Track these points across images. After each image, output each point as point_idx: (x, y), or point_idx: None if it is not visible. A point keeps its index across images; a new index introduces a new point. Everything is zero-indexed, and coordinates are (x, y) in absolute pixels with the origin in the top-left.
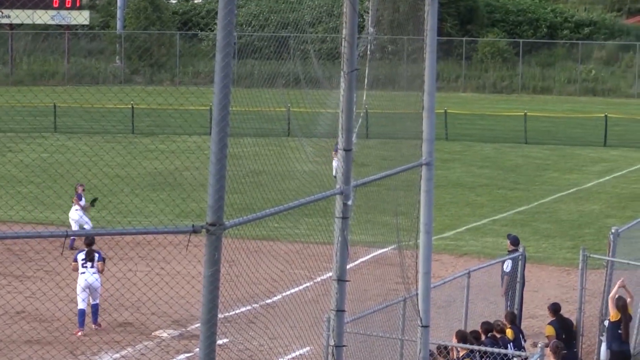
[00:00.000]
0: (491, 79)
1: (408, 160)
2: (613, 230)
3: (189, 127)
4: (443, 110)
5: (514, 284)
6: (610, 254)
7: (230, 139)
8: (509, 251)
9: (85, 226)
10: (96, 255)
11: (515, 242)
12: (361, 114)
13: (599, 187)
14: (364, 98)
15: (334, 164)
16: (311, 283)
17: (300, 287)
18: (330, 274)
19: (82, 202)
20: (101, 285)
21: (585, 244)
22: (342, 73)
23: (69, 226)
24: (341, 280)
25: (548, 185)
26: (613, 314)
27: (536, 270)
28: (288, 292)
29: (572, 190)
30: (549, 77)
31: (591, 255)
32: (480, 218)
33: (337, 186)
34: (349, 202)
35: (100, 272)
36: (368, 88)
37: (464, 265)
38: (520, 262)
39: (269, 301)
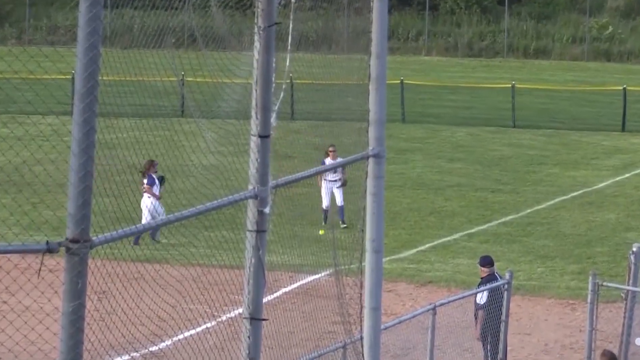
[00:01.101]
0: (465, 37)
1: (349, 150)
2: (634, 249)
3: (42, 103)
4: (399, 81)
5: (495, 324)
6: (630, 281)
7: (100, 121)
8: (482, 278)
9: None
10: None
11: (487, 262)
12: (283, 86)
13: (615, 188)
14: (287, 64)
15: (324, 189)
16: (213, 323)
17: (199, 329)
18: (241, 310)
19: (157, 188)
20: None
21: (596, 268)
22: (256, 29)
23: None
24: (255, 319)
25: (545, 185)
26: None
27: (528, 305)
28: (181, 336)
29: (578, 193)
30: (545, 34)
31: (605, 283)
32: (450, 232)
33: (250, 187)
34: (266, 210)
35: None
36: (293, 50)
37: (427, 298)
38: (505, 293)
39: (154, 349)
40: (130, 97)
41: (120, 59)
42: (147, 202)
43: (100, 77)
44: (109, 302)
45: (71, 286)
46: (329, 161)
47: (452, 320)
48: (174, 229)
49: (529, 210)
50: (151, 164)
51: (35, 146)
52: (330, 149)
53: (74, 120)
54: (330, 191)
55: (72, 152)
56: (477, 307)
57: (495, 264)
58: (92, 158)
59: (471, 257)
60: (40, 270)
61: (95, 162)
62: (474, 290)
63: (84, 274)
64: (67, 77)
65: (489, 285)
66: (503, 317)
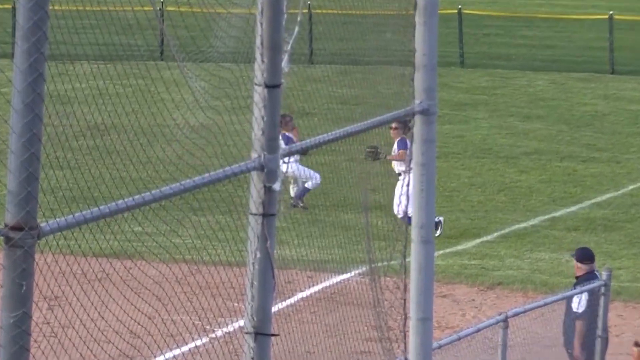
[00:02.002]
0: None
1: (387, 105)
2: None
3: None
4: (455, 11)
5: (588, 340)
6: None
7: (51, 66)
8: (577, 277)
9: (309, 184)
10: None
11: (586, 257)
12: (299, 19)
13: None
14: None
15: (289, 166)
16: (205, 340)
17: (185, 348)
18: (242, 322)
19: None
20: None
21: None
22: None
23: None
24: (262, 334)
25: None
26: None
27: (633, 315)
28: (161, 358)
29: None
30: None
31: None
32: (526, 215)
33: (253, 155)
34: (276, 186)
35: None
36: None
37: (496, 306)
38: (602, 299)
39: None
40: (90, 34)
41: None
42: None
43: (50, 7)
44: (63, 311)
45: (12, 290)
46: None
47: (530, 335)
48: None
49: (632, 187)
50: (282, 119)
51: None
52: (393, 125)
53: (16, 65)
54: None
55: (12, 108)
56: (574, 316)
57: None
58: (39, 117)
59: (555, 250)
60: None
61: (45, 122)
62: (564, 294)
63: (30, 273)
64: (7, 6)
65: (588, 286)
66: (599, 332)
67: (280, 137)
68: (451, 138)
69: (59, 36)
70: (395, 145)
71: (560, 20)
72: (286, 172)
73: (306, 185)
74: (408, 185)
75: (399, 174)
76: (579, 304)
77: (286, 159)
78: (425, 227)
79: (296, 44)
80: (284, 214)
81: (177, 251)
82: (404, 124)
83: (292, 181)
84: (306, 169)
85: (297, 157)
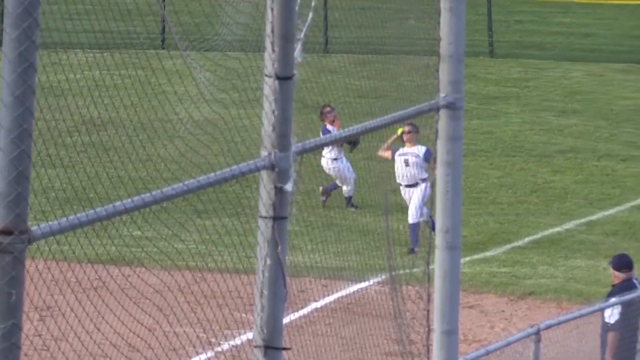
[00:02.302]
0: None
1: (410, 98)
2: None
3: None
4: None
5: (627, 355)
6: None
7: (43, 55)
8: (613, 286)
9: (345, 188)
10: None
11: (624, 265)
12: (313, 4)
13: None
14: None
15: (331, 161)
16: (210, 354)
17: None
18: (250, 335)
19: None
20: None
21: None
22: None
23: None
24: (272, 347)
25: None
26: None
27: None
28: None
29: None
30: None
31: None
32: (561, 219)
33: (263, 153)
34: (288, 187)
35: None
36: None
37: (527, 318)
38: None
39: None
40: (85, 20)
41: None
42: (323, 163)
43: None
44: (56, 322)
45: (1, 299)
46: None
47: (565, 350)
48: (151, 216)
49: None
50: (322, 109)
51: None
52: (407, 129)
53: (4, 54)
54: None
55: (1, 101)
56: (606, 327)
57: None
58: (30, 110)
59: (591, 257)
60: None
61: (36, 116)
62: (600, 305)
63: (20, 281)
64: None
65: (623, 297)
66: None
67: (321, 130)
68: (479, 134)
69: (51, 23)
70: (415, 151)
71: (599, 6)
72: (331, 168)
73: (344, 187)
74: (425, 191)
75: (415, 184)
76: (611, 314)
77: (325, 154)
78: (451, 231)
79: (310, 32)
80: (296, 216)
81: (179, 257)
82: (417, 128)
83: (337, 180)
84: (347, 169)
85: (338, 152)
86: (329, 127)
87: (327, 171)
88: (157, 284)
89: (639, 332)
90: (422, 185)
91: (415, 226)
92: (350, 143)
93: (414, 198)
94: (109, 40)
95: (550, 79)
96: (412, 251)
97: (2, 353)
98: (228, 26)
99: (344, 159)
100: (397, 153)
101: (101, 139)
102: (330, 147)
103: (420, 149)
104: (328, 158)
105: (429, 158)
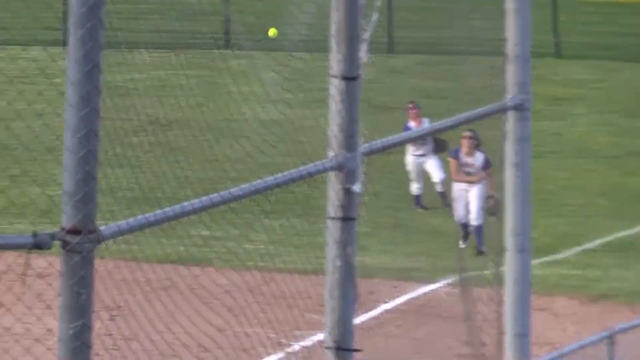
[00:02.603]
0: None
1: (476, 100)
2: None
3: (23, 29)
4: None
5: None
6: None
7: (109, 55)
8: None
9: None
10: None
11: None
12: (378, 4)
13: None
14: None
15: (415, 158)
16: (281, 355)
17: None
18: (321, 336)
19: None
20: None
21: None
22: None
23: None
24: (343, 349)
25: None
26: None
27: None
28: None
29: None
30: None
31: None
32: (633, 221)
33: (330, 153)
34: (356, 188)
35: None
36: None
37: (600, 321)
38: None
39: None
40: (151, 20)
41: None
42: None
43: None
44: (126, 322)
45: (70, 299)
46: (464, 157)
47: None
48: (218, 216)
49: None
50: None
51: (13, 93)
52: (467, 134)
53: (70, 54)
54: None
55: (67, 101)
56: None
57: None
58: (96, 110)
59: None
60: (24, 275)
61: (102, 116)
62: None
63: (89, 280)
64: None
65: None
66: None
67: (404, 127)
68: (546, 136)
69: (116, 22)
70: (474, 159)
71: None
72: (418, 163)
73: (414, 185)
74: (483, 190)
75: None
76: None
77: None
78: (522, 234)
79: (375, 33)
80: (364, 217)
81: (248, 258)
82: (478, 135)
83: (413, 177)
84: (437, 167)
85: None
86: (410, 124)
87: (408, 167)
88: (226, 285)
89: None
90: (480, 185)
91: (480, 227)
92: (436, 142)
93: (472, 198)
94: (173, 40)
95: (621, 81)
96: (481, 252)
97: (72, 352)
98: (294, 26)
99: (433, 157)
100: (459, 162)
101: (167, 139)
102: (414, 145)
103: (479, 158)
104: (412, 154)
105: (487, 167)
